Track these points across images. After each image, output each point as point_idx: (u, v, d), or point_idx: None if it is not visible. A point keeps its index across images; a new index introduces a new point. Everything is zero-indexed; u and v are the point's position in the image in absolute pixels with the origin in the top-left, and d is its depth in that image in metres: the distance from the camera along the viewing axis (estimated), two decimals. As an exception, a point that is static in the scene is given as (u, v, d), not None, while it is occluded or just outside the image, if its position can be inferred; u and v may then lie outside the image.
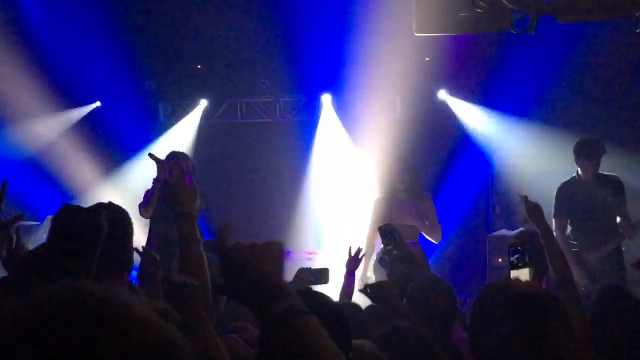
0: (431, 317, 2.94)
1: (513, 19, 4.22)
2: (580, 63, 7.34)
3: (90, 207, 2.01)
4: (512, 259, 2.26)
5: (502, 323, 2.08)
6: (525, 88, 7.69)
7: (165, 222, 5.51)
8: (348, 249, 4.15)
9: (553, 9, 4.15)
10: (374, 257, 5.64)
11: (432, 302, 3.00)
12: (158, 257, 4.03)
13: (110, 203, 2.52)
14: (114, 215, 2.52)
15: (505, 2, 4.05)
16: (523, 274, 2.19)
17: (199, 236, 2.52)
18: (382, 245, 4.10)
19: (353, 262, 4.06)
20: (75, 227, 1.91)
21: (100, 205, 2.05)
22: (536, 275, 2.38)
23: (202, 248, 2.43)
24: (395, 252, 3.58)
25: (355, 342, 1.93)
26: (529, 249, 2.26)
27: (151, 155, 5.66)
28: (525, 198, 3.59)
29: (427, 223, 5.84)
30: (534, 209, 3.49)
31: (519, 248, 2.25)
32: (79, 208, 1.97)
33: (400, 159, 6.11)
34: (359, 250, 4.15)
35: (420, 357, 2.33)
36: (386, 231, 3.76)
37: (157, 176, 5.59)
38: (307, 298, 1.27)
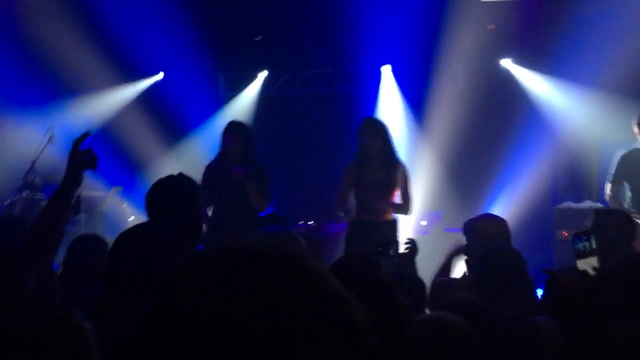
0: (501, 285, 2.88)
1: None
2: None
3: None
4: (578, 247, 2.20)
5: None
6: (593, 55, 7.39)
7: (221, 198, 5.43)
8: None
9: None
10: None
11: (502, 269, 2.93)
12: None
13: (180, 174, 2.58)
14: (185, 185, 2.58)
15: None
16: (590, 263, 2.14)
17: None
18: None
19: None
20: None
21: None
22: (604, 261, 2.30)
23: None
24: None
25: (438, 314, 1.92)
26: (597, 230, 2.20)
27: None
28: None
29: (396, 200, 5.39)
30: None
31: (585, 237, 2.19)
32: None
33: (372, 122, 5.64)
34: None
35: (479, 329, 2.28)
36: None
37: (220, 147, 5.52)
38: None
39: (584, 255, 2.17)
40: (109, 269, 2.08)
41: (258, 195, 5.31)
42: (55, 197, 2.54)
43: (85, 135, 2.63)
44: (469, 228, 3.75)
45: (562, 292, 1.74)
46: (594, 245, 2.18)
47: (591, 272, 2.11)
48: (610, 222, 3.65)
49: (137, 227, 2.31)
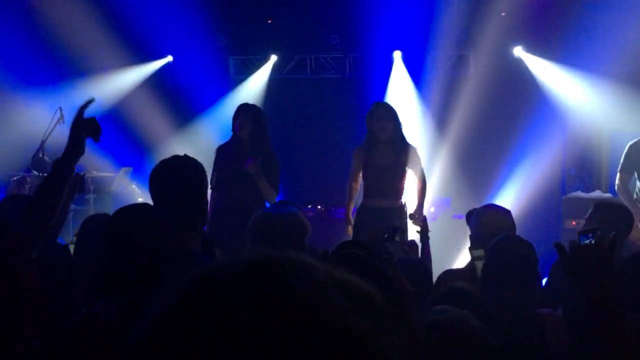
0: (510, 276, 2.87)
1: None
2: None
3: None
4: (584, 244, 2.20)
5: None
6: (605, 44, 7.32)
7: (230, 183, 5.34)
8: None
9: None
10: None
11: (512, 259, 2.92)
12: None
13: (185, 155, 2.56)
14: (190, 166, 2.55)
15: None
16: None
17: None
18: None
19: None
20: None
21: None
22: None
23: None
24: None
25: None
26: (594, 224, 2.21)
27: None
28: None
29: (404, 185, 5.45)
30: None
31: (591, 234, 2.19)
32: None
33: (384, 107, 5.62)
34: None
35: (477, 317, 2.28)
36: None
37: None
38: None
39: None
40: (105, 248, 2.06)
41: (268, 189, 5.22)
42: (57, 165, 2.50)
43: (90, 102, 2.60)
44: (473, 218, 3.73)
45: (578, 253, 1.93)
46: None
47: None
48: (606, 216, 3.64)
49: (133, 208, 2.26)
